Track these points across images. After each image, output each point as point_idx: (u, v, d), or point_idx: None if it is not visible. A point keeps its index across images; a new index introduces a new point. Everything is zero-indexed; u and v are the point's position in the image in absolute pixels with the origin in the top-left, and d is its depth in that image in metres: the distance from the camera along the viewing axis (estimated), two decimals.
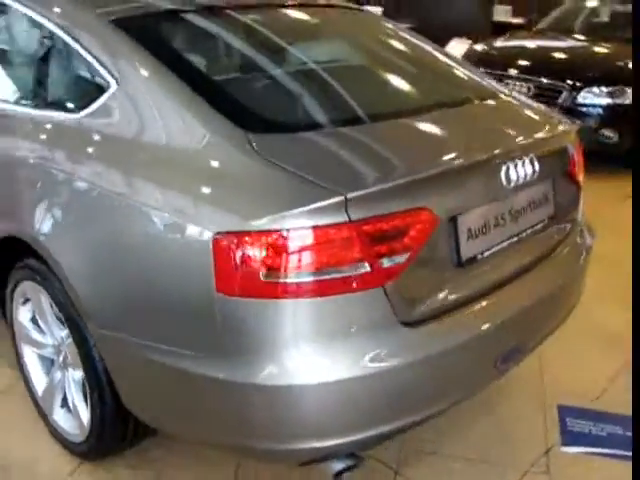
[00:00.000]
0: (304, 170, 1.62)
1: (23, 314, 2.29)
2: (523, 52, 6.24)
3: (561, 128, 2.28)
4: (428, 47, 2.72)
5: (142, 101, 1.87)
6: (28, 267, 2.12)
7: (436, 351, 1.74)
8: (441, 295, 1.80)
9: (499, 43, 6.48)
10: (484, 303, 1.89)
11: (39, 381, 2.32)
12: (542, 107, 2.46)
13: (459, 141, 1.98)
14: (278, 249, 1.54)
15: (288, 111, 1.99)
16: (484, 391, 2.64)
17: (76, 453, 2.22)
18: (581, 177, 2.39)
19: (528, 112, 2.38)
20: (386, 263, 1.63)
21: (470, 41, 7.22)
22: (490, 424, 2.52)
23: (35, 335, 2.28)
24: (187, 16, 2.26)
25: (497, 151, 1.91)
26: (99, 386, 1.97)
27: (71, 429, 2.20)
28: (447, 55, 2.72)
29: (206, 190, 1.67)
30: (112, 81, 1.93)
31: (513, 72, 5.78)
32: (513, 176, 1.91)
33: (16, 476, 2.17)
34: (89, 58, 2.00)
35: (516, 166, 1.92)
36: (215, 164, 1.71)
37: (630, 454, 2.37)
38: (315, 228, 1.54)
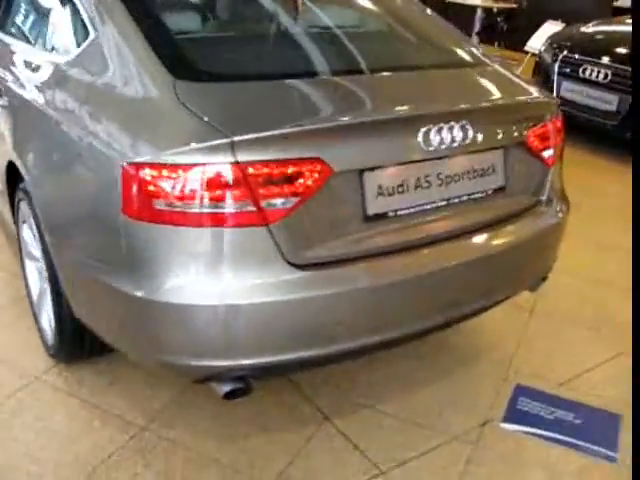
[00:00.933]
0: (208, 115, 1.78)
1: (25, 231, 2.64)
2: (601, 39, 6.09)
3: (528, 101, 2.26)
4: (422, 14, 2.76)
5: (108, 49, 2.09)
6: (21, 189, 2.46)
7: (325, 293, 1.85)
8: (342, 244, 1.89)
9: (583, 29, 6.22)
10: (397, 258, 1.96)
11: (34, 290, 2.68)
12: (520, 81, 2.43)
13: (378, 101, 2.03)
14: (169, 181, 1.72)
15: (222, 64, 2.13)
16: (446, 356, 2.73)
17: (50, 355, 2.55)
18: (553, 153, 2.34)
19: (495, 83, 2.37)
20: (271, 205, 1.75)
21: (564, 24, 6.92)
22: (440, 389, 2.56)
23: (31, 250, 2.62)
24: None
25: (413, 113, 1.95)
26: (58, 295, 2.27)
27: (48, 333, 2.53)
28: (440, 23, 2.74)
29: (125, 123, 1.89)
30: (92, 30, 2.19)
31: (589, 57, 5.62)
32: (435, 140, 1.94)
33: (1, 366, 2.54)
34: (81, 9, 2.28)
35: (440, 130, 1.94)
36: (140, 104, 1.92)
37: (574, 441, 2.35)
38: (203, 165, 1.70)
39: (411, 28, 2.70)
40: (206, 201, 1.72)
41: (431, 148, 1.95)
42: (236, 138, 1.70)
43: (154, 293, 1.80)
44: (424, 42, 2.62)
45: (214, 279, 1.77)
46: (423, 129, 1.92)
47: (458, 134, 1.98)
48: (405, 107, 1.98)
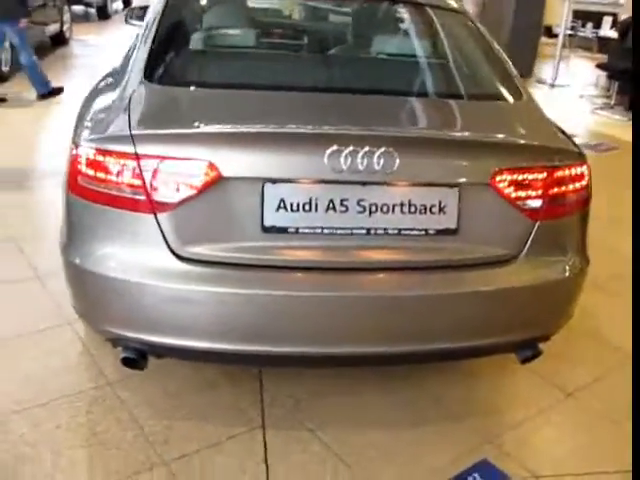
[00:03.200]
0: (135, 111, 2.02)
1: None
2: None
3: (498, 141, 2.05)
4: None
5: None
6: None
7: (203, 289, 1.94)
8: (234, 248, 1.95)
9: None
10: (290, 275, 1.95)
11: None
12: (530, 123, 2.16)
13: (291, 116, 2.04)
14: (82, 162, 1.98)
15: (181, 71, 2.33)
16: (431, 400, 2.53)
17: None
18: (542, 205, 2.04)
19: (484, 117, 2.15)
20: (159, 197, 1.91)
21: None
22: (402, 431, 2.39)
23: None
24: None
25: (317, 131, 1.91)
26: None
27: None
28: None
29: (91, 113, 2.19)
30: None
31: None
32: (345, 163, 1.88)
33: None
34: None
35: (354, 154, 1.87)
36: (116, 98, 2.19)
37: None
38: (109, 152, 1.93)
39: (435, 52, 2.55)
40: (108, 183, 1.94)
41: (341, 170, 1.88)
42: (134, 132, 1.88)
43: (75, 259, 2.06)
44: (441, 69, 2.46)
45: (111, 253, 1.99)
46: (330, 150, 1.87)
47: (379, 162, 1.87)
48: (311, 125, 1.94)
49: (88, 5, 12.80)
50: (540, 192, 2.04)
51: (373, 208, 1.95)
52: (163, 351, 2.13)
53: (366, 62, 2.71)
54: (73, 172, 2.01)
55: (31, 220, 3.99)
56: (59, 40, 9.24)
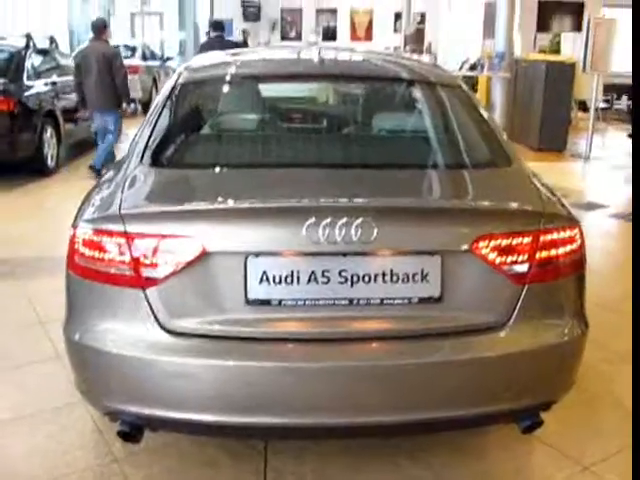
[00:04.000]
0: (127, 191, 2.16)
1: None
2: None
3: (476, 207, 2.11)
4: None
5: None
6: None
7: (191, 362, 1.99)
8: (219, 321, 2.00)
9: None
10: (276, 346, 1.99)
11: None
12: (514, 188, 2.20)
13: (269, 191, 2.14)
14: (79, 242, 2.10)
15: (172, 153, 2.47)
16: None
17: None
18: (529, 270, 2.04)
19: (469, 186, 2.19)
20: (147, 272, 2.00)
21: None
22: None
23: None
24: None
25: (293, 204, 2.00)
26: None
27: None
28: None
29: (92, 198, 2.32)
30: None
31: None
32: (323, 234, 1.93)
33: None
34: None
35: (330, 225, 1.93)
36: (112, 182, 2.34)
37: None
38: (100, 230, 2.05)
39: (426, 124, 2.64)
40: (100, 261, 2.05)
41: (319, 242, 1.93)
42: (124, 211, 2.00)
43: (73, 335, 2.16)
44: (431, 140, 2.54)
45: (104, 328, 2.07)
46: (308, 222, 1.93)
47: (357, 232, 1.92)
48: (291, 199, 2.01)
49: (133, 101, 13.58)
50: (526, 256, 2.04)
51: (355, 278, 1.98)
52: (156, 424, 2.16)
53: (359, 138, 2.82)
54: (71, 252, 2.13)
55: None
56: None
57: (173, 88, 2.75)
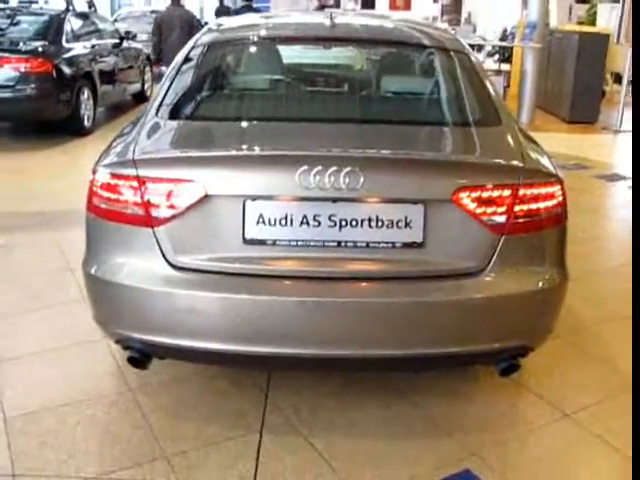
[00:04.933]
0: (143, 141, 2.35)
1: None
2: None
3: (458, 160, 2.26)
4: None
5: None
6: None
7: (193, 294, 2.19)
8: (219, 258, 2.21)
9: None
10: (270, 282, 2.19)
11: None
12: (496, 144, 2.34)
13: (268, 141, 2.31)
14: (97, 185, 2.32)
15: (190, 108, 2.66)
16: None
17: None
18: (506, 221, 2.19)
19: (456, 142, 2.34)
20: (155, 213, 2.21)
21: None
22: (394, 440, 2.52)
23: None
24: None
25: (287, 152, 2.17)
26: None
27: None
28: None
29: (111, 147, 2.53)
30: None
31: None
32: (314, 181, 2.10)
33: None
34: None
35: (321, 173, 2.10)
36: (129, 133, 2.54)
37: None
38: (115, 175, 2.26)
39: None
40: (115, 202, 2.26)
41: (310, 188, 2.11)
42: (137, 157, 2.20)
43: (90, 269, 2.39)
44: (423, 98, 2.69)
45: (117, 263, 2.29)
46: (300, 170, 2.10)
47: (345, 180, 2.09)
48: (287, 148, 2.19)
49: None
50: (504, 208, 2.19)
51: (343, 223, 2.16)
52: (161, 351, 2.38)
53: (361, 97, 2.99)
54: (90, 194, 2.34)
55: None
56: (140, 97, 10.04)
57: (192, 48, 2.94)
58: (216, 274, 2.21)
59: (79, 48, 8.07)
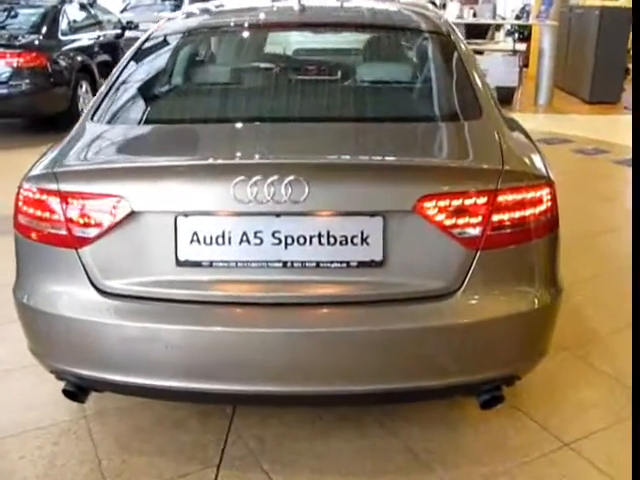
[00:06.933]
0: (69, 148, 2.10)
1: None
2: None
3: (421, 164, 1.95)
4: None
5: None
6: None
7: (120, 323, 1.94)
8: (150, 282, 1.94)
9: None
10: (205, 309, 1.92)
11: None
12: (472, 142, 2.02)
13: (200, 148, 2.07)
14: (23, 201, 2.06)
15: (127, 111, 2.37)
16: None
17: None
18: (481, 233, 1.88)
19: (424, 140, 2.04)
20: (79, 232, 1.95)
21: None
22: None
23: None
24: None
25: (219, 162, 1.89)
26: None
27: None
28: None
29: (40, 157, 2.26)
30: None
31: None
32: (250, 193, 1.82)
33: None
34: None
35: (258, 184, 1.81)
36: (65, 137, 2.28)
37: None
38: (35, 190, 2.01)
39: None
40: (37, 219, 2.00)
41: (248, 201, 1.82)
42: (57, 169, 1.94)
43: (17, 294, 2.14)
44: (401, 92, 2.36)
45: (42, 288, 2.04)
46: (235, 180, 1.82)
47: (287, 191, 1.80)
48: (220, 156, 1.90)
49: None
50: (479, 219, 1.87)
51: (289, 240, 1.87)
52: (95, 385, 2.13)
53: (318, 90, 2.64)
54: (15, 210, 2.09)
55: None
56: None
57: (145, 41, 2.67)
58: (147, 300, 1.94)
59: (77, 40, 7.85)
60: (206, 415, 2.56)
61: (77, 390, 2.13)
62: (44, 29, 7.46)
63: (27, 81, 6.94)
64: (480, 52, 9.03)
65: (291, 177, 1.80)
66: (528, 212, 1.93)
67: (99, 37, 8.51)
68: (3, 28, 7.69)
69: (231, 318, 1.91)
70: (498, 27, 12.12)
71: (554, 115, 8.67)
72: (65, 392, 2.15)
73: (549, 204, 1.98)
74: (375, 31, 2.79)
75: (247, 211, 1.85)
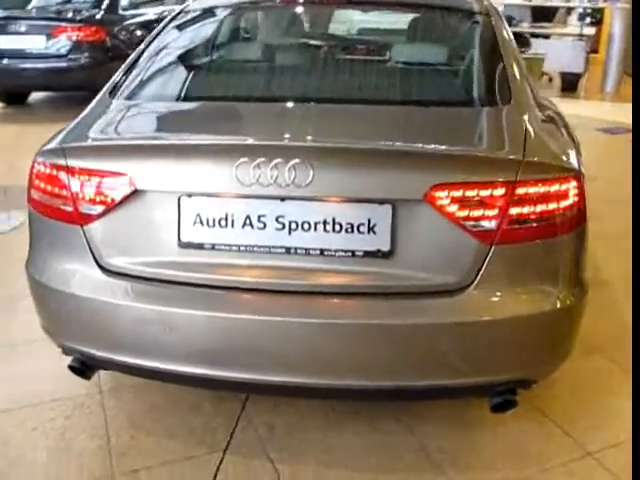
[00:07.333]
0: (82, 124, 2.08)
1: None
2: None
3: (434, 152, 1.83)
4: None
5: None
6: None
7: (122, 303, 1.91)
8: (153, 262, 1.90)
9: None
10: (206, 293, 1.87)
11: None
12: (490, 129, 1.90)
13: (218, 131, 1.97)
14: (35, 175, 2.05)
15: (144, 87, 2.33)
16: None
17: None
18: (497, 226, 1.76)
19: (441, 127, 1.94)
20: (84, 209, 1.92)
21: None
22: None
23: None
24: None
25: (222, 142, 1.83)
26: None
27: None
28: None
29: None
30: None
31: None
32: (254, 176, 1.75)
33: None
34: None
35: (262, 166, 1.74)
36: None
37: None
38: (45, 164, 1.99)
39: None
40: (48, 194, 1.99)
41: (250, 184, 1.76)
42: (65, 145, 1.92)
43: (29, 268, 2.14)
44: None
45: (49, 263, 2.04)
46: (238, 162, 1.75)
47: (291, 174, 1.72)
48: (225, 136, 1.83)
49: None
50: (495, 211, 1.75)
51: (293, 225, 1.79)
52: (99, 363, 2.12)
53: (343, 71, 2.52)
54: (28, 184, 2.09)
55: None
56: None
57: (175, 16, 2.63)
58: (149, 281, 1.91)
59: (138, 16, 7.93)
60: (220, 399, 2.53)
61: (82, 366, 2.12)
62: (105, 4, 7.55)
63: (86, 55, 7.06)
64: (547, 36, 8.66)
65: (296, 160, 1.72)
66: (551, 206, 1.79)
67: (162, 12, 8.57)
68: (68, 2, 7.84)
69: (231, 303, 1.85)
70: (570, 10, 11.61)
71: (621, 104, 8.22)
72: (71, 368, 2.15)
73: (575, 199, 1.84)
74: (409, 10, 2.66)
75: (250, 194, 1.78)
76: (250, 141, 1.84)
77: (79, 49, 7.05)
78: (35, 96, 8.48)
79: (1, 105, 8.39)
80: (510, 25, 9.29)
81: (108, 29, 7.22)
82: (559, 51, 7.62)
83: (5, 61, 7.34)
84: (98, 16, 7.35)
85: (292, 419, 2.43)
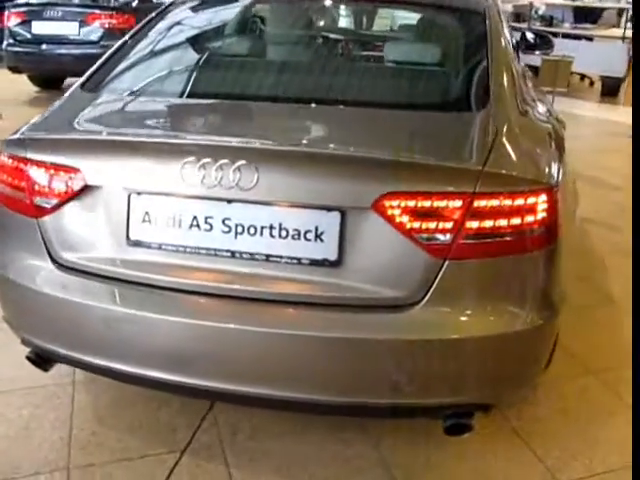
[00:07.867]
0: (47, 116, 2.05)
1: None
2: None
3: (385, 158, 1.72)
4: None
5: None
6: None
7: (69, 298, 1.89)
8: (102, 259, 1.87)
9: None
10: (150, 293, 1.83)
11: None
12: (462, 137, 1.79)
13: (171, 127, 1.97)
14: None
15: (117, 80, 2.31)
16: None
17: None
18: (452, 240, 1.67)
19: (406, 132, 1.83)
20: (39, 202, 1.90)
21: None
22: None
23: None
24: None
25: (167, 140, 1.78)
26: None
27: None
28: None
29: None
30: None
31: None
32: (197, 177, 1.70)
33: None
34: None
35: (207, 166, 1.69)
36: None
37: None
38: (10, 155, 1.98)
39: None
40: (8, 185, 1.98)
41: (196, 184, 1.71)
42: (24, 136, 1.91)
43: None
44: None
45: (8, 255, 2.02)
46: (183, 161, 1.70)
47: (236, 176, 1.67)
48: (175, 134, 1.79)
49: None
50: (450, 225, 1.65)
51: (239, 229, 1.74)
52: (54, 357, 2.10)
53: (318, 70, 2.43)
54: None
55: None
56: None
57: (151, 17, 2.63)
58: (98, 277, 1.87)
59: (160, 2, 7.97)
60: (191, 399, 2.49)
61: (38, 358, 2.11)
62: None
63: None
64: (590, 38, 8.35)
65: (241, 162, 1.66)
66: (513, 222, 1.68)
67: None
68: None
69: (175, 306, 1.80)
70: (621, 11, 11.18)
71: None
72: (28, 359, 2.14)
73: (544, 214, 1.72)
74: (391, 8, 2.56)
75: (197, 195, 1.73)
76: (196, 140, 1.80)
77: (111, 36, 7.10)
78: (70, 81, 8.62)
79: (37, 89, 8.59)
80: (550, 25, 8.97)
81: (140, 17, 7.25)
82: (597, 54, 7.29)
83: (43, 47, 7.48)
84: (131, 4, 7.40)
85: (258, 423, 2.38)
